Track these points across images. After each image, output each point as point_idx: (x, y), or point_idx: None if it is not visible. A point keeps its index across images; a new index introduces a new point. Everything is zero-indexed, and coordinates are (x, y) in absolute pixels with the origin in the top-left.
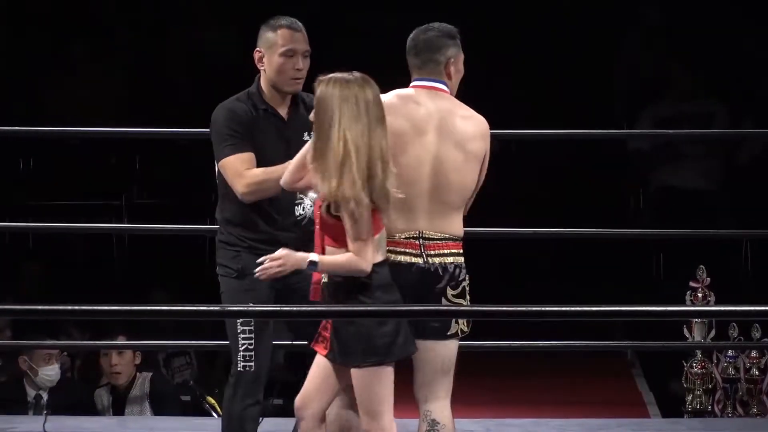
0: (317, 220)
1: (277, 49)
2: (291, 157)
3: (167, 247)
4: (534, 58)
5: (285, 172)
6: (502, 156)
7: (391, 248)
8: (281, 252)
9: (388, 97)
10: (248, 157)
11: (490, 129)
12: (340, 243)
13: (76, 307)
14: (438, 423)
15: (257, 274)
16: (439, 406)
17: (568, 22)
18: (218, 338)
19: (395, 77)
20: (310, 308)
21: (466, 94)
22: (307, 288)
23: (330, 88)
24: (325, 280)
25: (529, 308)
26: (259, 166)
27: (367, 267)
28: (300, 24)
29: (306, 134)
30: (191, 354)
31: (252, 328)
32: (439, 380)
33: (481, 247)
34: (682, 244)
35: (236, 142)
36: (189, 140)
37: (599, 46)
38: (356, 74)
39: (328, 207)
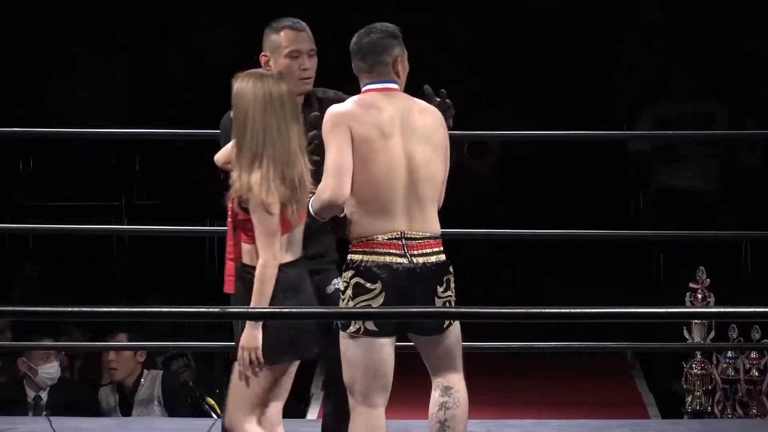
0: (230, 213)
1: (281, 51)
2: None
3: (167, 248)
4: (534, 60)
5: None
6: (503, 157)
7: (375, 249)
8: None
9: (347, 106)
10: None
11: (491, 131)
12: (252, 238)
13: (78, 309)
14: (451, 389)
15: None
16: (454, 378)
17: (568, 23)
18: (215, 339)
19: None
20: (307, 309)
21: (466, 96)
22: (324, 288)
23: (245, 83)
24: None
25: (528, 310)
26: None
27: (271, 264)
28: (303, 23)
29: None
30: (189, 355)
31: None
32: (451, 362)
33: (482, 248)
34: (682, 245)
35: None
36: (189, 141)
37: (599, 47)
38: (273, 71)
39: (240, 201)
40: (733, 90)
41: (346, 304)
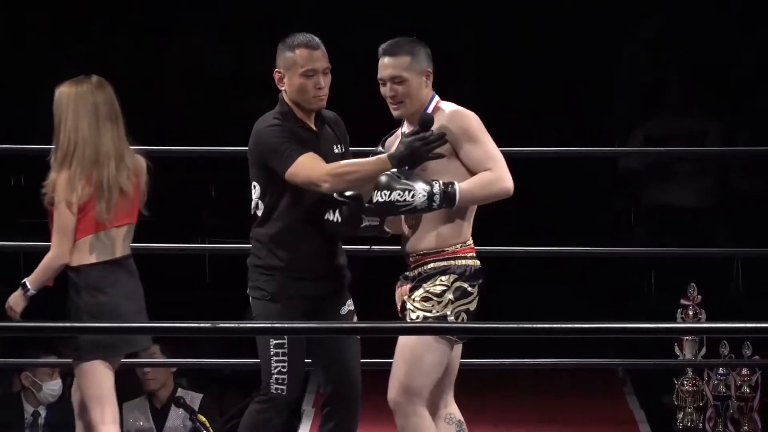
0: (48, 212)
1: (297, 69)
2: None
3: (160, 265)
4: (524, 75)
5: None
6: None
7: (473, 254)
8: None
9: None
10: (316, 155)
11: None
12: None
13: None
14: (462, 423)
15: None
16: (454, 405)
17: (560, 38)
18: (211, 356)
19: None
20: (301, 324)
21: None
22: (338, 309)
23: (63, 88)
24: None
25: (520, 325)
26: None
27: (59, 260)
28: (317, 40)
29: (336, 147)
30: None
31: (285, 350)
32: (453, 377)
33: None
34: (673, 262)
35: (297, 147)
36: (181, 158)
37: (591, 65)
38: (93, 78)
39: (48, 199)
40: (726, 107)
41: (444, 307)
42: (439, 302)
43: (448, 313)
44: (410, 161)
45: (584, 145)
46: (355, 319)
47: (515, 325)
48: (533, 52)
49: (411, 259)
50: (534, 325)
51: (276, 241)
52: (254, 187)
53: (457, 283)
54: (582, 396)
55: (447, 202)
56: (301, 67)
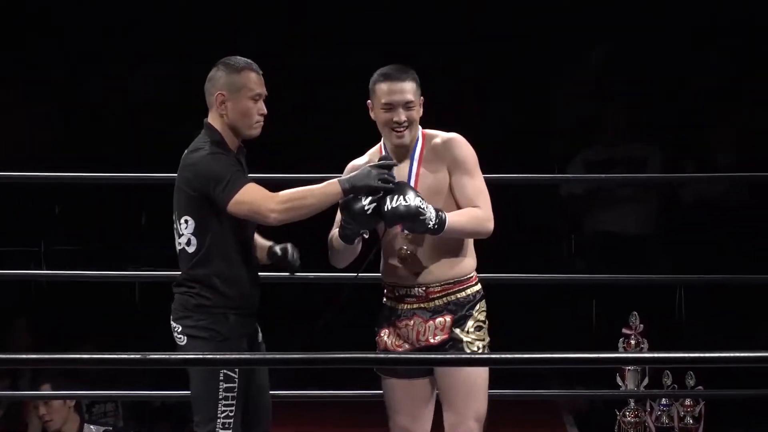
0: None
1: (245, 92)
2: None
3: (92, 294)
4: (463, 99)
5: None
6: None
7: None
8: None
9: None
10: (259, 186)
11: None
12: None
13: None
14: None
15: None
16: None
17: (499, 61)
18: (146, 386)
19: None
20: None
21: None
22: (257, 341)
23: None
24: None
25: (457, 356)
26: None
27: None
28: (256, 64)
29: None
30: (117, 402)
31: (235, 394)
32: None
33: None
34: (614, 290)
35: (240, 176)
36: (112, 184)
37: (532, 88)
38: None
39: None
40: (667, 133)
41: (486, 332)
42: (486, 329)
43: (488, 339)
44: (364, 189)
45: (523, 172)
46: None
47: (453, 356)
48: (468, 75)
49: (432, 288)
50: (472, 356)
51: (223, 278)
52: (185, 221)
53: (484, 307)
54: (521, 428)
55: (438, 227)
56: (250, 91)
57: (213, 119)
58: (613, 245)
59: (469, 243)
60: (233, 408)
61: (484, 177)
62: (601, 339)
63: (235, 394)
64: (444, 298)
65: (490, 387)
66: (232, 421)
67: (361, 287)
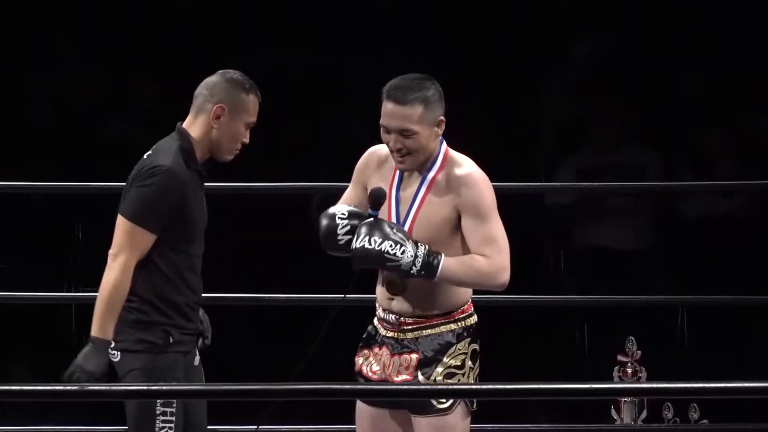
0: None
1: (244, 116)
2: (205, 219)
3: (22, 316)
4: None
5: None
6: None
7: (471, 311)
8: None
9: (486, 178)
10: (149, 240)
11: None
12: None
13: None
14: None
15: None
16: None
17: (481, 59)
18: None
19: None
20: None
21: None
22: (192, 362)
23: None
24: None
25: (434, 387)
26: (191, 231)
27: None
28: None
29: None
30: None
31: (174, 410)
32: None
33: None
34: (608, 313)
35: (154, 216)
36: (43, 195)
37: (517, 89)
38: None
39: None
40: (666, 138)
41: (467, 377)
42: (463, 374)
43: (472, 381)
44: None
45: (506, 180)
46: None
47: (429, 387)
48: (450, 72)
49: (405, 319)
50: (450, 387)
51: (162, 296)
52: None
53: (472, 347)
54: None
55: (426, 273)
56: (250, 116)
57: (193, 127)
58: (606, 262)
59: None
60: (172, 425)
61: None
62: (594, 367)
63: (174, 409)
64: (415, 332)
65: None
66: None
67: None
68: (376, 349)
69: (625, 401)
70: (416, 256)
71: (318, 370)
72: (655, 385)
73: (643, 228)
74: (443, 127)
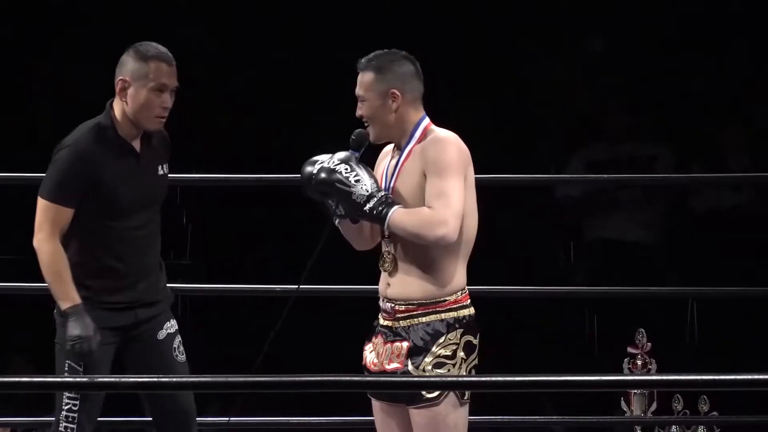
0: None
1: (146, 82)
2: (145, 194)
3: (23, 307)
4: (447, 88)
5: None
6: None
7: (470, 302)
8: None
9: (462, 144)
10: (65, 214)
11: None
12: None
13: None
14: None
15: None
16: None
17: (490, 48)
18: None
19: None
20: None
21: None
22: (155, 334)
23: None
24: None
25: (443, 379)
26: (113, 205)
27: None
28: (171, 55)
29: (160, 167)
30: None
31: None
32: None
33: None
34: (619, 305)
35: (66, 192)
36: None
37: (527, 82)
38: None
39: None
40: (677, 131)
41: (459, 368)
42: (453, 364)
43: (464, 374)
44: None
45: (516, 172)
46: (179, 339)
47: (437, 379)
48: (457, 58)
49: (398, 307)
50: (458, 379)
51: (80, 265)
52: None
53: (465, 338)
54: None
55: (376, 217)
56: (151, 81)
57: (115, 103)
58: (616, 254)
59: (454, 258)
60: (77, 401)
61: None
62: (604, 359)
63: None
64: (407, 320)
65: (476, 414)
66: (76, 415)
67: None
68: (374, 339)
69: (635, 393)
70: (372, 196)
71: (334, 364)
72: (665, 377)
73: (653, 221)
74: (399, 101)
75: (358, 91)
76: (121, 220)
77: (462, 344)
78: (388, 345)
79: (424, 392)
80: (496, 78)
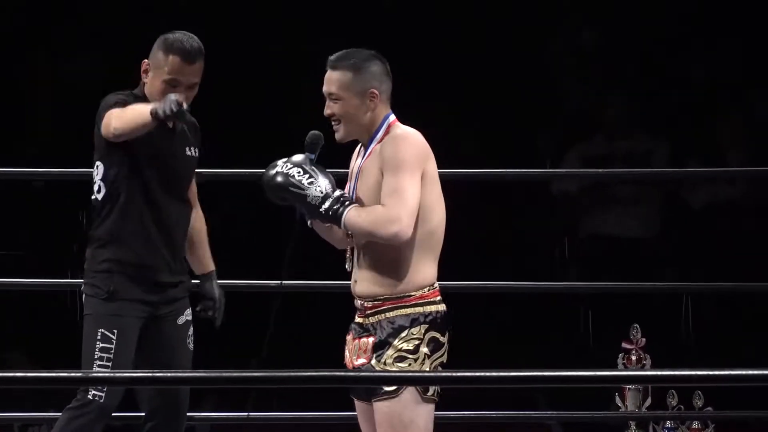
0: None
1: (161, 74)
2: (177, 169)
3: (23, 303)
4: (444, 85)
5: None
6: None
7: (439, 298)
8: None
9: (421, 138)
10: (133, 106)
11: None
12: None
13: None
14: None
15: None
16: None
17: (486, 42)
18: None
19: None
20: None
21: None
22: (176, 318)
23: None
24: None
25: (437, 374)
26: (156, 174)
27: None
28: (198, 49)
29: (188, 149)
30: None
31: (111, 355)
32: None
33: None
34: (613, 300)
35: (125, 104)
36: (46, 182)
37: (522, 72)
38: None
39: None
40: (673, 125)
41: (421, 364)
42: (415, 359)
43: (427, 369)
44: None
45: (512, 166)
46: (191, 330)
47: (432, 374)
48: (453, 54)
49: (366, 303)
50: (453, 374)
51: (116, 234)
52: (96, 166)
53: (430, 334)
54: None
55: (332, 217)
56: (166, 74)
57: (145, 85)
58: (612, 249)
59: (419, 254)
60: (109, 368)
61: (463, 172)
62: (599, 354)
63: (111, 355)
64: (375, 316)
65: (470, 409)
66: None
67: None
68: (347, 336)
69: (629, 388)
70: (327, 196)
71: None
72: (659, 373)
73: (648, 216)
74: (377, 101)
75: (332, 89)
76: (161, 193)
77: (426, 340)
78: (357, 341)
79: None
80: (491, 73)
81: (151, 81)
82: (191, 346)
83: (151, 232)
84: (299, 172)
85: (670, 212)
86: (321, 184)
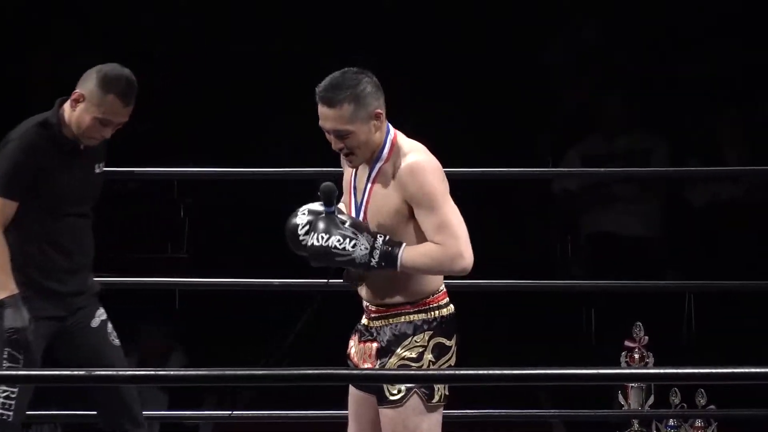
0: None
1: (95, 112)
2: (86, 189)
3: None
4: (444, 83)
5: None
6: None
7: (447, 300)
8: None
9: (432, 159)
10: (11, 207)
11: None
12: None
13: None
14: None
15: None
16: None
17: (485, 41)
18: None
19: None
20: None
21: None
22: (88, 322)
23: None
24: None
25: (439, 372)
26: (55, 198)
27: None
28: (135, 89)
29: (97, 166)
30: (57, 424)
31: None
32: None
33: None
34: (616, 299)
35: (13, 185)
36: None
37: (522, 72)
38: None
39: None
40: (672, 124)
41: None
42: (419, 368)
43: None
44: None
45: (513, 165)
46: (110, 324)
47: (434, 372)
48: (453, 53)
49: (371, 307)
50: (456, 372)
51: (20, 253)
52: None
53: (435, 340)
54: None
55: (387, 263)
56: (101, 114)
57: (66, 105)
58: (614, 248)
59: None
60: (15, 389)
61: (465, 171)
62: (601, 353)
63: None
64: (380, 321)
65: (473, 408)
66: (14, 402)
67: None
68: (354, 336)
69: (632, 387)
70: (373, 248)
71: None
72: (662, 371)
73: (650, 214)
74: (383, 118)
75: (337, 126)
76: (61, 213)
77: (430, 347)
78: (361, 344)
79: (387, 393)
80: (491, 72)
81: (80, 113)
82: (116, 341)
83: (49, 254)
84: (339, 240)
85: (672, 211)
86: (362, 241)
